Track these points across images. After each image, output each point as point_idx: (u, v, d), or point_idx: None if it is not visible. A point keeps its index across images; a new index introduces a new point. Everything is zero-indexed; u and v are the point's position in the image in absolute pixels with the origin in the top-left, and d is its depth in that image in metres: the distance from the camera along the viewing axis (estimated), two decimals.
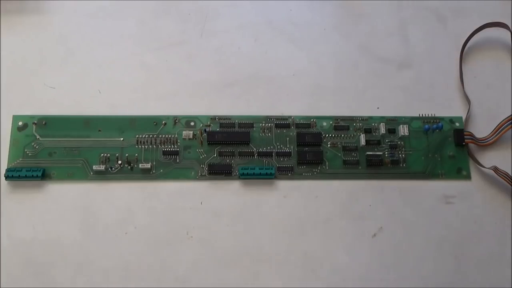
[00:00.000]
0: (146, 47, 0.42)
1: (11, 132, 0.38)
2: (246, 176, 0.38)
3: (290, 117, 0.40)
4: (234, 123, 0.40)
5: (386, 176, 0.39)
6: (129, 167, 0.38)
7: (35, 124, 0.39)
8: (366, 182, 0.39)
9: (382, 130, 0.40)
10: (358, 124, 0.40)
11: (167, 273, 0.36)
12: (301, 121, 0.40)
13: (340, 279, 0.36)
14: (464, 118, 0.41)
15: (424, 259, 0.37)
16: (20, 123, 0.39)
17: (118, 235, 0.36)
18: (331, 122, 0.40)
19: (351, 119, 0.40)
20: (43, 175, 0.37)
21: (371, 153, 0.40)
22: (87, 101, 0.40)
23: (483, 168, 0.39)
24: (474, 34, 0.43)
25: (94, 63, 0.41)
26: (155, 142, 0.39)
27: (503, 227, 0.38)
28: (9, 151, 0.38)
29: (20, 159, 0.38)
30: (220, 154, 0.39)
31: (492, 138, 0.40)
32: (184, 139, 0.39)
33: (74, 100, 0.40)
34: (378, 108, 0.41)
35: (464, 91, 0.42)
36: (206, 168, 0.38)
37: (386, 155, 0.40)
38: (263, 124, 0.40)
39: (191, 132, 0.39)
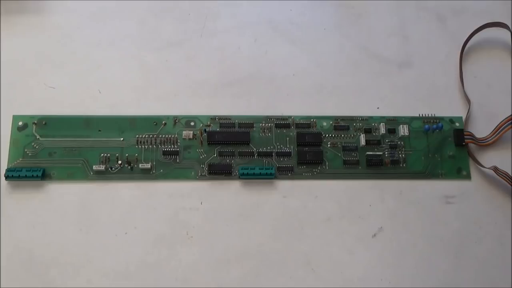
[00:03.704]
0: (146, 47, 0.42)
1: (11, 132, 0.38)
2: (246, 176, 0.38)
3: (290, 117, 0.40)
4: (234, 123, 0.40)
5: (386, 176, 0.39)
6: (129, 167, 0.38)
7: (35, 124, 0.39)
8: (366, 182, 0.39)
9: (382, 130, 0.40)
10: (358, 124, 0.40)
11: (167, 273, 0.36)
12: (301, 121, 0.40)
13: (340, 279, 0.36)
14: (464, 118, 0.41)
15: (424, 259, 0.37)
16: (20, 123, 0.39)
17: (118, 235, 0.36)
18: (331, 122, 0.40)
19: (351, 119, 0.40)
20: (43, 175, 0.37)
21: (371, 153, 0.40)
22: (87, 101, 0.40)
23: (483, 168, 0.39)
24: (474, 34, 0.43)
25: (94, 63, 0.41)
26: (155, 142, 0.39)
27: (503, 227, 0.38)
28: (9, 151, 0.38)
29: (20, 159, 0.38)
30: (220, 154, 0.39)
31: (492, 138, 0.40)
32: (184, 139, 0.39)
33: (74, 100, 0.40)
34: (378, 108, 0.41)
35: (464, 91, 0.42)
36: (206, 168, 0.38)
37: (386, 155, 0.40)
38: (263, 124, 0.40)
39: (191, 132, 0.39)
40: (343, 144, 0.40)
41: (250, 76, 0.42)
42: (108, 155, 0.38)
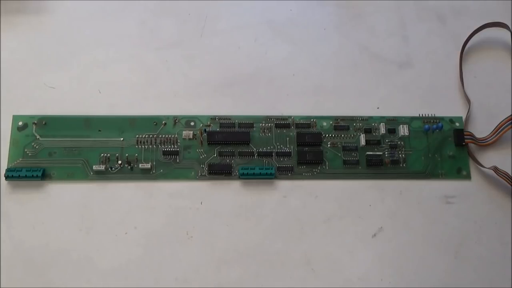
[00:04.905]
0: (146, 47, 0.42)
1: (11, 132, 0.38)
2: (246, 176, 0.38)
3: (290, 117, 0.40)
4: (234, 123, 0.40)
5: (386, 176, 0.39)
6: (129, 167, 0.38)
7: (35, 124, 0.39)
8: (366, 182, 0.39)
9: (382, 130, 0.40)
10: (358, 124, 0.40)
11: (167, 273, 0.36)
12: (301, 121, 0.40)
13: (340, 279, 0.36)
14: (464, 118, 0.41)
15: (424, 259, 0.37)
16: (20, 123, 0.39)
17: (118, 235, 0.36)
18: (331, 122, 0.40)
19: (351, 119, 0.40)
20: (43, 175, 0.37)
21: (371, 153, 0.40)
22: (87, 101, 0.40)
23: (483, 168, 0.39)
24: (474, 34, 0.43)
25: (94, 63, 0.41)
26: (155, 142, 0.39)
27: (503, 227, 0.38)
28: (9, 151, 0.38)
29: (20, 159, 0.38)
30: (220, 154, 0.39)
31: (492, 138, 0.40)
32: (184, 139, 0.39)
33: (74, 100, 0.40)
34: (378, 108, 0.41)
35: (464, 91, 0.42)
36: (206, 168, 0.38)
37: (386, 155, 0.40)
38: (263, 124, 0.40)
39: (191, 132, 0.39)
40: (343, 144, 0.40)
41: (250, 76, 0.42)
42: (108, 155, 0.38)
